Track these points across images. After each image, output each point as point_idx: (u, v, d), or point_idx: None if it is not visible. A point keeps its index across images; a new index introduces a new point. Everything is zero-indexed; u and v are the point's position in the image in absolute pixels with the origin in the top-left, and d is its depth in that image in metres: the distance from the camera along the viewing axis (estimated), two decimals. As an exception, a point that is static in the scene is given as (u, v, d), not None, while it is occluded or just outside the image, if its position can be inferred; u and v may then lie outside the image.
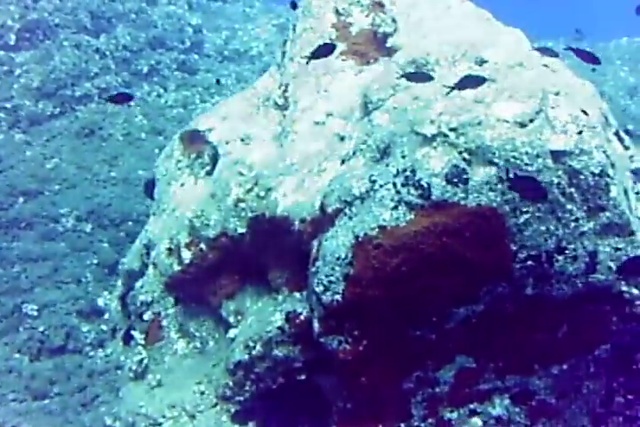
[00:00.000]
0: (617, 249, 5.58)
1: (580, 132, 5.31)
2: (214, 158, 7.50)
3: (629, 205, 5.72)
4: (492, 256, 5.35)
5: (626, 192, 5.70)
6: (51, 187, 11.56)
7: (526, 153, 5.17)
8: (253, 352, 6.37)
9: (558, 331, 5.83)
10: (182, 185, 7.76)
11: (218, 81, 13.18)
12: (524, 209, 5.25)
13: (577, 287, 5.58)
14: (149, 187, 8.23)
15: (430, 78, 5.43)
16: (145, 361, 7.18)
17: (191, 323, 7.38)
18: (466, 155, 5.26)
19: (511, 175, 5.11)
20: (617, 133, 6.10)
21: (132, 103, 13.52)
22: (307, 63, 6.52)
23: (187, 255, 7.04)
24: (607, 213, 5.46)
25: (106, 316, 9.29)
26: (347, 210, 5.56)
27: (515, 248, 5.35)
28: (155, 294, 7.37)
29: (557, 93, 5.52)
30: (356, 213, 5.48)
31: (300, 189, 6.08)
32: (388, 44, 6.71)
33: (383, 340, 5.60)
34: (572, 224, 5.41)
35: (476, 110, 5.32)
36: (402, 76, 5.55)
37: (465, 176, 5.19)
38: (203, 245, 6.95)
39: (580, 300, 5.69)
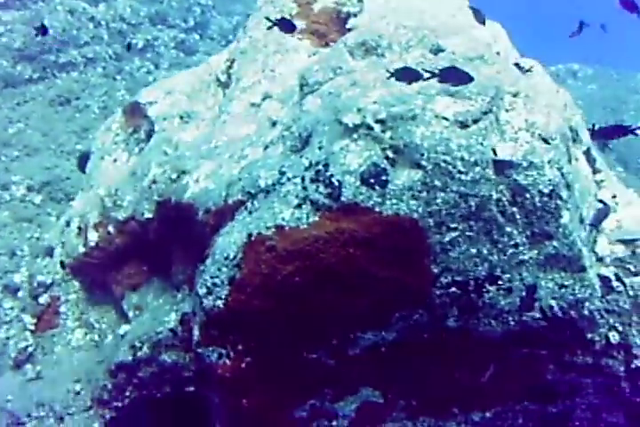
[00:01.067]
0: (562, 286, 4.71)
1: (533, 143, 4.42)
2: (150, 135, 6.68)
3: (585, 236, 4.83)
4: (408, 277, 4.49)
5: (582, 221, 4.80)
6: (9, 152, 10.81)
7: (461, 158, 4.30)
8: (139, 354, 5.56)
9: (483, 373, 4.94)
10: (115, 161, 6.97)
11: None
12: (452, 225, 4.38)
13: (508, 325, 4.72)
14: (83, 160, 7.43)
15: (419, 77, 4.51)
16: (30, 349, 6.35)
17: (92, 313, 6.57)
18: (390, 153, 4.40)
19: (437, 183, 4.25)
20: (587, 153, 5.20)
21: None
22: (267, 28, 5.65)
23: (93, 237, 6.24)
24: (554, 243, 4.59)
25: (19, 294, 8.45)
26: (249, 203, 4.72)
27: (436, 271, 4.49)
28: (57, 275, 6.56)
29: (516, 95, 4.65)
30: (257, 208, 4.64)
31: (214, 176, 5.24)
32: (348, 26, 5.86)
33: (271, 359, 4.74)
34: (510, 250, 4.54)
35: (413, 103, 4.45)
36: (389, 73, 4.61)
37: (384, 178, 4.33)
38: (111, 228, 6.15)
39: (512, 340, 4.84)
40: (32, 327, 6.35)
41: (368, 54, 5.18)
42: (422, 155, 4.31)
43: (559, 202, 4.49)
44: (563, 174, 4.52)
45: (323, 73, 5.15)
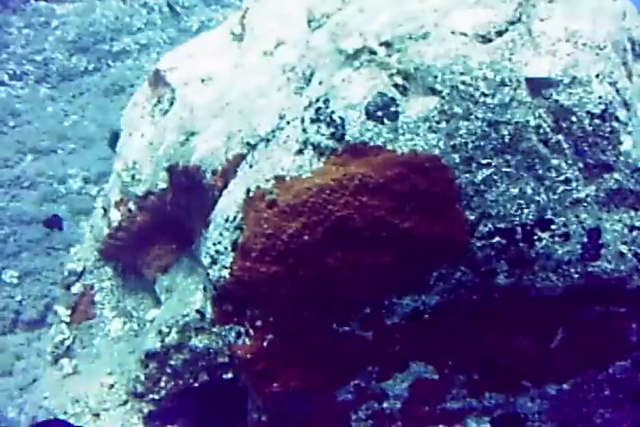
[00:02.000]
0: (633, 228, 3.89)
1: (575, 54, 3.61)
2: (173, 102, 6.11)
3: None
4: (438, 227, 3.77)
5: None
6: (65, 145, 10.53)
7: (484, 78, 3.54)
8: (167, 340, 5.01)
9: (552, 338, 4.18)
10: (142, 136, 6.42)
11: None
12: (484, 161, 3.63)
13: (572, 279, 3.93)
14: (113, 139, 6.95)
15: None
16: (67, 342, 5.90)
17: (129, 300, 6.07)
18: (399, 79, 3.67)
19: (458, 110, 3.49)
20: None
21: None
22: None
23: (115, 217, 5.73)
24: (615, 175, 3.77)
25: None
26: (249, 156, 4.08)
27: (472, 218, 3.75)
28: (88, 262, 6.09)
29: (552, 0, 3.83)
30: (257, 160, 3.99)
31: (221, 134, 4.63)
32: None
33: (296, 335, 4.10)
34: (561, 187, 3.75)
35: (424, 19, 3.71)
36: None
37: (393, 109, 3.61)
38: (131, 205, 5.61)
39: (580, 297, 4.04)
40: (67, 319, 5.88)
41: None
42: (436, 77, 3.56)
43: (615, 124, 3.67)
44: (618, 90, 3.70)
45: (330, 3, 4.45)
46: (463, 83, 3.55)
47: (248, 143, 4.15)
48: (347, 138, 3.67)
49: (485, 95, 3.55)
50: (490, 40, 3.64)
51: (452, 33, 3.67)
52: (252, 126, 4.16)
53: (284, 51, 4.99)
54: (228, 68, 5.74)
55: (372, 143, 3.64)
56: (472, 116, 3.57)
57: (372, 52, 3.73)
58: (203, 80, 5.84)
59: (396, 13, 3.92)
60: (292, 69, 4.30)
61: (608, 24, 3.84)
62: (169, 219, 5.54)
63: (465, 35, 3.65)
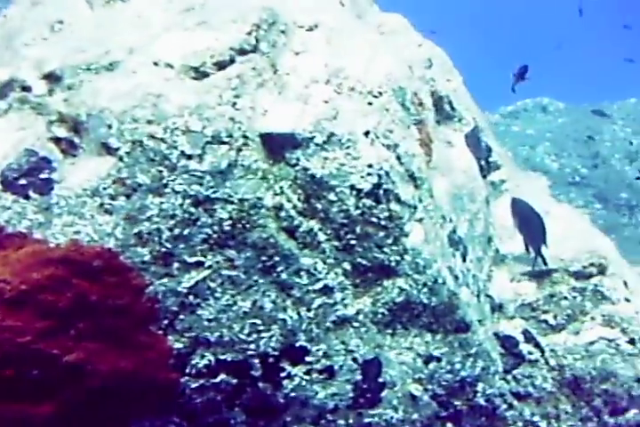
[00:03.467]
0: (430, 359, 2.60)
1: (335, 101, 2.37)
2: None
3: (465, 268, 2.74)
4: (127, 360, 2.39)
5: (458, 242, 2.72)
6: None
7: (187, 131, 2.24)
8: None
9: None
10: None
11: None
12: (191, 259, 2.30)
13: (347, 435, 2.61)
14: None
15: None
16: None
17: None
18: (61, 130, 2.39)
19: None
20: (474, 136, 3.16)
21: None
22: None
23: None
24: (399, 283, 2.52)
25: None
26: None
27: (180, 345, 2.41)
28: None
29: (313, 28, 2.63)
30: None
31: None
32: None
33: None
34: (317, 301, 2.47)
35: (118, 43, 2.44)
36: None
37: (47, 176, 2.30)
38: None
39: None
40: None
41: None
42: (110, 127, 2.24)
43: (396, 207, 2.45)
44: (400, 157, 2.47)
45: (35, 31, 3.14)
46: (151, 137, 2.26)
47: None
48: (-27, 221, 2.30)
49: (188, 157, 2.26)
50: (205, 75, 2.37)
51: (155, 64, 2.40)
52: None
53: None
54: None
55: (9, 229, 2.28)
56: (167, 190, 2.26)
57: (25, 88, 2.40)
58: None
59: (89, 36, 2.63)
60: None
61: (391, 65, 2.65)
62: None
63: (171, 66, 2.38)
